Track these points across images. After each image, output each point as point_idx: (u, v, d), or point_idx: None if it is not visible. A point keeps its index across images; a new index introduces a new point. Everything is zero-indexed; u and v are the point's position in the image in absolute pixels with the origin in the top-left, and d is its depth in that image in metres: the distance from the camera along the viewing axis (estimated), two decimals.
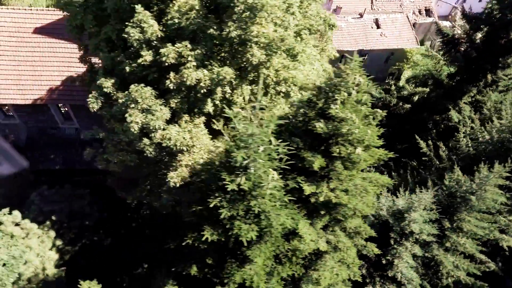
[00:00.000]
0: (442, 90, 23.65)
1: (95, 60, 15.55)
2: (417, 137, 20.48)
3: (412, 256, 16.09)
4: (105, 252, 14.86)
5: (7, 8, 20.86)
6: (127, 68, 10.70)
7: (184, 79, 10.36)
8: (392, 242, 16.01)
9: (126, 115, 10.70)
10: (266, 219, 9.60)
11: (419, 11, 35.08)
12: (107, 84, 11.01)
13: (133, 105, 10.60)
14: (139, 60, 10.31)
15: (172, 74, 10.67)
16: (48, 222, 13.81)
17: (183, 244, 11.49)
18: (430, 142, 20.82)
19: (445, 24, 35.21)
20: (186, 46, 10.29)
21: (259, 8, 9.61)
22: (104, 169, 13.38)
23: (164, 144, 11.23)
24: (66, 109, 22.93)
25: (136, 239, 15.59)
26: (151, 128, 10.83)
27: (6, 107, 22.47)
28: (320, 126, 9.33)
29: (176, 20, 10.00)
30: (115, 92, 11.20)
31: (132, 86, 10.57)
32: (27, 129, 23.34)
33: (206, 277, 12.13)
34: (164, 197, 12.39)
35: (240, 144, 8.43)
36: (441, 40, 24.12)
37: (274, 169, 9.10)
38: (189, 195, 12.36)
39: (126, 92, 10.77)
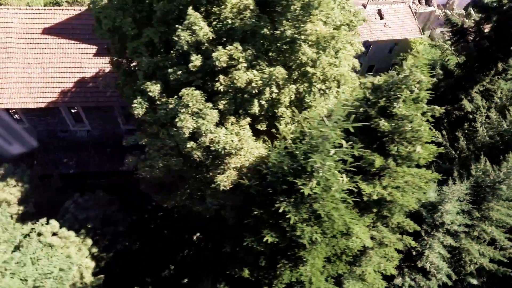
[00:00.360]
0: (453, 80, 23.86)
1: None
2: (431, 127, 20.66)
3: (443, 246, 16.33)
4: (139, 257, 14.59)
5: (13, 8, 20.10)
6: (173, 76, 10.37)
7: (235, 82, 10.15)
8: (423, 233, 16.21)
9: (177, 119, 10.43)
10: (329, 220, 9.55)
11: (419, 1, 35.27)
12: (154, 88, 10.69)
13: (184, 110, 10.33)
14: (190, 65, 10.01)
15: (221, 77, 10.44)
16: (83, 230, 13.47)
17: (235, 247, 11.41)
18: (444, 132, 21.05)
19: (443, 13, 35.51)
20: (236, 48, 10.06)
21: (315, 6, 9.44)
22: (140, 175, 13.05)
23: (212, 148, 11.02)
24: (76, 110, 22.36)
25: (171, 243, 15.39)
26: (202, 132, 10.60)
27: (14, 111, 21.78)
28: (384, 124, 9.27)
29: (230, 21, 9.75)
30: (159, 97, 10.89)
31: (183, 90, 10.29)
32: (37, 132, 22.67)
33: (257, 279, 12.07)
34: (208, 201, 12.21)
35: (314, 148, 8.30)
36: (449, 30, 24.29)
37: (338, 171, 9.03)
38: (235, 198, 12.23)
39: (176, 96, 10.49)
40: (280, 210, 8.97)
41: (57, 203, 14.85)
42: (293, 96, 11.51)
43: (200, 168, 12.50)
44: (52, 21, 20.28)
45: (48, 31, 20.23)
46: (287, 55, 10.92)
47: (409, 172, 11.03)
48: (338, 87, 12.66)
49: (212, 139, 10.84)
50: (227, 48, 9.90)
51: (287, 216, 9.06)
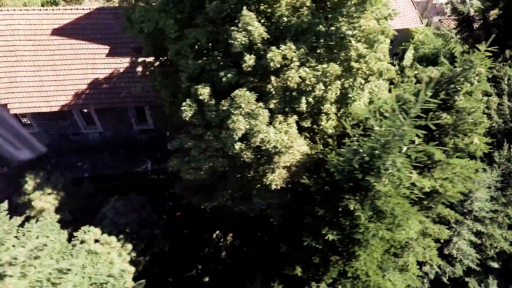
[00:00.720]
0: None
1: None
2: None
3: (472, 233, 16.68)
4: (177, 259, 14.39)
5: (20, 9, 19.40)
6: (226, 78, 10.17)
7: (288, 83, 10.05)
8: (451, 221, 16.48)
9: (229, 121, 10.26)
10: (391, 216, 9.59)
11: None
12: (203, 91, 10.47)
13: (236, 111, 10.17)
14: (244, 66, 9.83)
15: (273, 78, 10.31)
16: (121, 235, 13.21)
17: (290, 246, 11.39)
18: None
19: (441, 1, 35.92)
20: (289, 47, 9.93)
21: (372, 2, 9.38)
22: (180, 176, 12.82)
23: (263, 148, 10.91)
24: (87, 112, 21.81)
25: (205, 243, 15.25)
26: (253, 132, 10.47)
27: (23, 115, 21.13)
28: (446, 117, 9.32)
29: (285, 19, 9.59)
30: (209, 100, 10.67)
31: (236, 91, 10.11)
32: (48, 137, 22.07)
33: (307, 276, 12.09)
34: (255, 200, 12.11)
35: (385, 145, 8.29)
36: (455, 18, 24.61)
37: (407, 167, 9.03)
38: (282, 197, 12.18)
39: (228, 98, 10.32)
40: (351, 208, 8.96)
41: (90, 209, 14.50)
42: (338, 92, 11.47)
43: (244, 168, 12.38)
44: (61, 22, 19.67)
45: (57, 32, 19.62)
46: (335, 51, 10.84)
47: (459, 163, 11.16)
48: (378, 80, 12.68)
49: (262, 138, 10.73)
50: (281, 48, 9.76)
51: (356, 214, 9.06)
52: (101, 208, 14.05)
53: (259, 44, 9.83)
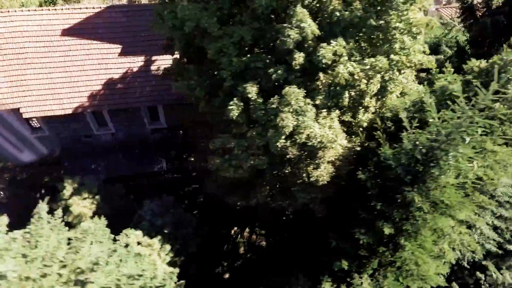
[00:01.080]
0: (467, 56, 24.58)
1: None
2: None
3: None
4: (213, 257, 14.32)
5: (28, 10, 18.83)
6: (276, 75, 10.09)
7: (339, 78, 10.05)
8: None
9: (278, 119, 10.22)
10: (446, 207, 9.73)
11: None
12: (251, 89, 10.37)
13: (286, 108, 10.13)
14: (294, 63, 9.77)
15: (322, 75, 10.29)
16: (159, 236, 13.07)
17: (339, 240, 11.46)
18: None
19: None
20: (340, 43, 9.92)
21: None
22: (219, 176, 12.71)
23: (309, 143, 10.92)
24: (98, 112, 21.40)
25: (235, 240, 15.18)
26: (301, 129, 10.46)
27: (34, 119, 20.61)
28: (500, 107, 9.47)
29: (338, 13, 9.55)
30: (256, 98, 10.58)
31: (286, 88, 10.07)
32: (59, 140, 21.60)
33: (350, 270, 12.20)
34: (299, 196, 12.12)
35: (449, 137, 8.38)
36: (459, 7, 24.93)
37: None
38: (326, 191, 12.22)
39: (276, 96, 10.26)
40: (416, 200, 9.06)
41: (123, 211, 14.28)
42: (379, 85, 11.53)
43: (283, 165, 12.36)
44: (71, 22, 19.19)
45: (68, 32, 19.13)
46: (377, 44, 10.87)
47: (501, 150, 11.36)
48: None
49: (308, 134, 10.73)
50: (332, 44, 9.74)
51: (417, 205, 9.16)
52: (133, 209, 13.86)
53: (309, 41, 9.78)
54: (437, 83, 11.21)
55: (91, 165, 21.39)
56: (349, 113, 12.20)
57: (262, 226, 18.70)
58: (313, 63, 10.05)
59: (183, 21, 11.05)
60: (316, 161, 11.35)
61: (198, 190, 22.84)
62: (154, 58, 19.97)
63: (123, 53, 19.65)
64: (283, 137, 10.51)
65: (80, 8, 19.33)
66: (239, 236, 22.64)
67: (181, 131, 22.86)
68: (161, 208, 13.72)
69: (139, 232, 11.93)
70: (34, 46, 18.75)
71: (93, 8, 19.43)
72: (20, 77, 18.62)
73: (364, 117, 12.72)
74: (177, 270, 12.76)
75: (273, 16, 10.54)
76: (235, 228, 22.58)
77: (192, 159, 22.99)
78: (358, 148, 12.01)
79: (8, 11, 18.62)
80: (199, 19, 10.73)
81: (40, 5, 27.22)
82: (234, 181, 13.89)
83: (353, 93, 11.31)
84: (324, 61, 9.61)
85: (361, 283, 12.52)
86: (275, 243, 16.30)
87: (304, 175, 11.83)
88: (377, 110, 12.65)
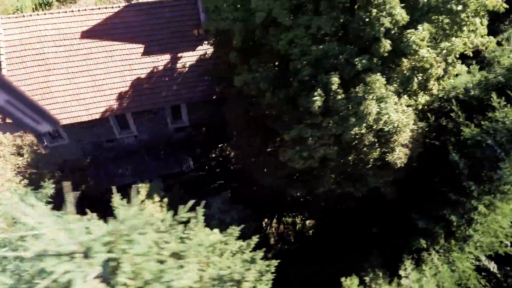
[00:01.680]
0: None
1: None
2: None
3: None
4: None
5: (45, 13, 18.00)
6: (361, 64, 10.17)
7: (422, 63, 10.26)
8: None
9: (362, 107, 10.34)
10: None
11: None
12: (334, 80, 10.42)
13: (370, 96, 10.27)
14: (381, 51, 9.89)
15: (405, 60, 10.47)
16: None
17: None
18: None
19: None
20: (425, 28, 10.11)
21: None
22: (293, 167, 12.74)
23: (386, 129, 11.13)
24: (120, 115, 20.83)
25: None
26: (382, 115, 10.64)
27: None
28: None
29: (425, 0, 9.73)
30: (337, 88, 10.64)
31: (372, 76, 10.19)
32: (81, 147, 20.93)
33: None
34: (371, 180, 12.35)
35: None
36: None
37: None
38: (398, 174, 12.51)
39: (361, 84, 10.36)
40: None
41: None
42: (443, 67, 11.84)
43: (350, 151, 12.53)
44: (89, 23, 18.50)
45: (87, 34, 18.45)
46: (448, 28, 11.12)
47: None
48: None
49: (385, 120, 10.93)
50: (419, 30, 9.90)
51: None
52: (192, 209, 13.65)
53: (395, 28, 9.91)
54: (505, 61, 11.60)
55: (118, 169, 20.85)
56: (415, 97, 12.47)
57: (311, 215, 18.86)
58: (394, 50, 10.20)
59: (253, 12, 10.92)
60: (391, 145, 11.57)
61: (223, 186, 22.77)
62: (178, 55, 19.58)
63: (146, 53, 19.15)
64: (364, 124, 10.64)
65: (99, 9, 18.66)
66: (268, 228, 22.81)
67: (203, 128, 22.61)
68: (225, 205, 13.61)
69: (216, 230, 11.81)
70: (55, 51, 17.99)
71: (112, 8, 18.79)
72: (43, 84, 17.87)
73: (422, 100, 13.04)
74: (275, 261, 12.78)
75: (350, 5, 10.59)
76: (266, 220, 22.71)
77: (225, 153, 22.89)
78: (427, 129, 12.32)
79: (24, 16, 17.76)
80: (271, 9, 10.64)
81: (35, 9, 26.01)
82: (294, 172, 13.96)
83: (420, 77, 11.56)
84: (414, 46, 9.78)
85: (431, 259, 12.98)
86: (327, 229, 16.51)
87: (371, 160, 12.06)
88: (437, 92, 12.97)
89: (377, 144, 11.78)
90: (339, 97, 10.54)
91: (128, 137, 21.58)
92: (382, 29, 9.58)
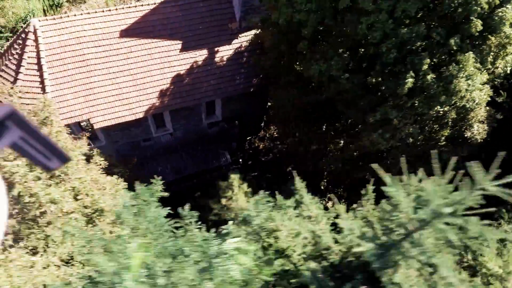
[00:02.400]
0: None
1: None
2: None
3: None
4: None
5: (81, 14, 17.64)
6: (455, 45, 10.68)
7: (508, 40, 10.90)
8: None
9: (452, 85, 10.90)
10: None
11: None
12: (427, 61, 10.92)
13: (461, 74, 10.83)
14: (473, 29, 10.46)
15: (493, 39, 11.07)
16: None
17: None
18: None
19: None
20: None
21: None
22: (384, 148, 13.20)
23: (467, 105, 11.75)
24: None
25: None
26: (469, 92, 11.24)
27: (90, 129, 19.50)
28: None
29: None
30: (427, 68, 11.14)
31: (467, 55, 10.74)
32: (116, 148, 20.66)
33: None
34: (445, 156, 12.96)
35: None
36: None
37: None
38: (470, 150, 13.18)
39: (453, 63, 10.90)
40: None
41: None
42: None
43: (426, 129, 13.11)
44: (127, 22, 18.27)
45: (126, 33, 18.22)
46: None
47: None
48: None
49: (468, 97, 11.54)
50: (508, 8, 10.52)
51: None
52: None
53: (487, 8, 10.49)
54: None
55: (158, 167, 20.76)
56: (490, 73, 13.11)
57: None
58: (482, 29, 10.78)
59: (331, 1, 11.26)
60: (469, 122, 12.21)
61: (257, 177, 23.04)
62: (215, 50, 19.61)
63: (184, 49, 19.09)
64: (453, 102, 11.20)
65: (135, 6, 18.44)
66: None
67: (236, 122, 22.73)
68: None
69: None
70: (94, 51, 17.69)
71: (148, 5, 18.59)
72: (85, 86, 17.55)
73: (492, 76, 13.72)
74: None
75: None
76: None
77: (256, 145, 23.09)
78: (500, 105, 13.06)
79: (61, 17, 17.34)
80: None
81: (46, 11, 25.28)
82: (359, 155, 14.43)
83: (494, 54, 12.23)
84: (508, 24, 10.39)
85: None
86: None
87: (442, 138, 12.70)
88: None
89: (457, 120, 12.38)
90: (429, 77, 11.02)
91: (164, 135, 21.47)
92: (478, 9, 10.12)
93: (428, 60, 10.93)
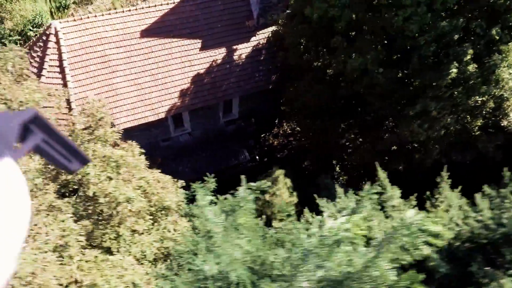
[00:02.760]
0: None
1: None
2: None
3: None
4: None
5: (102, 15, 17.50)
6: (497, 35, 10.96)
7: None
8: None
9: (494, 75, 11.20)
10: None
11: None
12: (470, 51, 11.19)
13: (503, 63, 11.13)
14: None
15: None
16: None
17: None
18: None
19: None
20: None
21: None
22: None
23: (505, 94, 12.08)
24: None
25: None
26: (507, 81, 11.56)
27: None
28: None
29: None
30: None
31: (510, 44, 11.06)
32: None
33: None
34: (482, 145, 13.30)
35: None
36: None
37: None
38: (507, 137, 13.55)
39: (496, 54, 11.19)
40: None
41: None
42: None
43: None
44: (147, 21, 18.20)
45: (146, 33, 18.15)
46: None
47: None
48: None
49: (506, 87, 11.87)
50: None
51: None
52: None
53: None
54: None
55: (178, 167, 20.72)
56: None
57: None
58: None
59: None
60: (505, 111, 12.54)
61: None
62: (233, 47, 19.66)
63: (203, 48, 19.10)
64: (492, 91, 11.50)
65: (155, 6, 18.37)
66: None
67: (253, 119, 22.81)
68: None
69: None
70: (116, 52, 17.59)
71: (167, 4, 18.54)
72: (108, 87, 17.44)
73: None
74: None
75: None
76: None
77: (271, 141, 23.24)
78: None
79: (81, 18, 17.20)
80: None
81: (53, 13, 24.98)
82: (393, 146, 14.69)
83: None
84: None
85: None
86: None
87: (476, 128, 13.04)
88: None
89: (493, 109, 12.70)
90: (470, 67, 11.29)
91: (182, 135, 21.44)
92: None
93: (471, 51, 11.19)
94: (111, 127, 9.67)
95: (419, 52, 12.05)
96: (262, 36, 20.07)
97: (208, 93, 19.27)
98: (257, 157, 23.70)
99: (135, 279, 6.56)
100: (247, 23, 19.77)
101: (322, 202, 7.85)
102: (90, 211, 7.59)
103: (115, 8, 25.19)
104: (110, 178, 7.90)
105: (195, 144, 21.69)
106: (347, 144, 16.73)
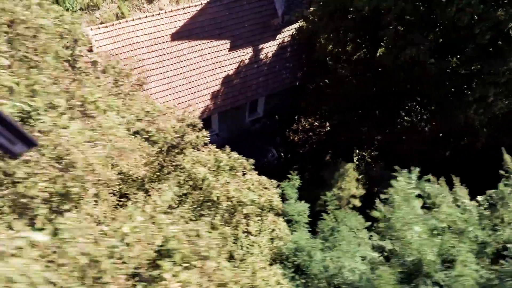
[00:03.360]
0: None
1: None
2: None
3: None
4: None
5: (133, 19, 17.23)
6: None
7: None
8: None
9: None
10: None
11: None
12: None
13: None
14: None
15: None
16: None
17: None
18: None
19: None
20: None
21: None
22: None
23: None
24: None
25: None
26: None
27: None
28: None
29: None
30: None
31: None
32: None
33: None
34: None
35: None
36: None
37: None
38: None
39: None
40: None
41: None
42: None
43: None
44: (177, 24, 18.03)
45: (177, 36, 17.99)
46: None
47: None
48: None
49: None
50: None
51: None
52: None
53: None
54: None
55: None
56: None
57: None
58: None
59: None
60: None
61: (299, 169, 23.38)
62: (260, 47, 19.72)
63: (232, 48, 19.08)
64: None
65: (184, 8, 18.20)
66: None
67: (276, 116, 22.95)
68: None
69: None
70: (149, 56, 17.37)
71: (195, 6, 18.41)
72: (144, 91, 17.18)
73: None
74: None
75: None
76: None
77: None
78: None
79: (113, 24, 16.88)
80: None
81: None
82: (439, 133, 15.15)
83: None
84: None
85: None
86: None
87: None
88: None
89: None
90: None
91: (211, 136, 21.31)
92: None
93: None
94: (199, 131, 9.58)
95: (474, 41, 12.49)
96: (286, 33, 20.20)
97: (239, 93, 19.28)
98: (282, 154, 23.87)
99: (270, 281, 6.55)
100: (272, 21, 19.85)
101: None
102: (227, 218, 7.58)
103: (122, 13, 24.69)
104: (228, 182, 7.90)
105: (223, 144, 21.56)
106: (376, 137, 17.07)
